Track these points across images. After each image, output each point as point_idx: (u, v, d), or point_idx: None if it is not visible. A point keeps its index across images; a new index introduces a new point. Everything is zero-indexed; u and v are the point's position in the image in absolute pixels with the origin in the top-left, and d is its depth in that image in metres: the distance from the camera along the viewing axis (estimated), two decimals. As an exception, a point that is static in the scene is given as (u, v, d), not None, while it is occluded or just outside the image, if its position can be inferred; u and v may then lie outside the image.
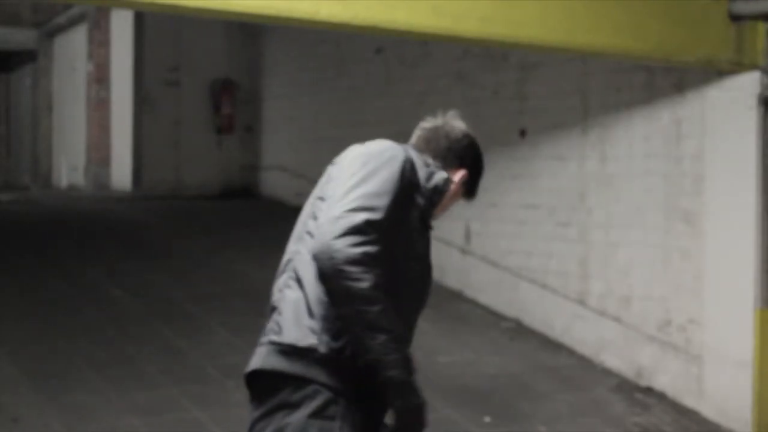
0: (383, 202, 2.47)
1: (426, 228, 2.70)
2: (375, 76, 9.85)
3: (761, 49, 6.26)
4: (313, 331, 2.46)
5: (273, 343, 2.51)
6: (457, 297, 8.48)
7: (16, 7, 16.08)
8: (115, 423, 5.63)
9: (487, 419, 6.17)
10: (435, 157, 2.79)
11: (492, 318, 8.07)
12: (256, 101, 12.84)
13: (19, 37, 16.59)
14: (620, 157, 7.17)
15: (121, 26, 13.40)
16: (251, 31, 12.57)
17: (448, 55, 8.63)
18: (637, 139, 7.05)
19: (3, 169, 19.05)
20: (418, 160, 2.70)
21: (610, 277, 7.23)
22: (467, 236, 8.57)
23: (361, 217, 2.41)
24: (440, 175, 2.72)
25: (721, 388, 6.45)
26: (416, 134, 2.88)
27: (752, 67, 6.27)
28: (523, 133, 8.02)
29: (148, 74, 12.73)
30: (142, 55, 12.84)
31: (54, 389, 5.99)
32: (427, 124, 2.89)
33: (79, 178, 14.79)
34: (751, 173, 6.29)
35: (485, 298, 8.32)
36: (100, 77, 14.19)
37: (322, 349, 2.45)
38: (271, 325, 2.55)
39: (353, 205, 2.44)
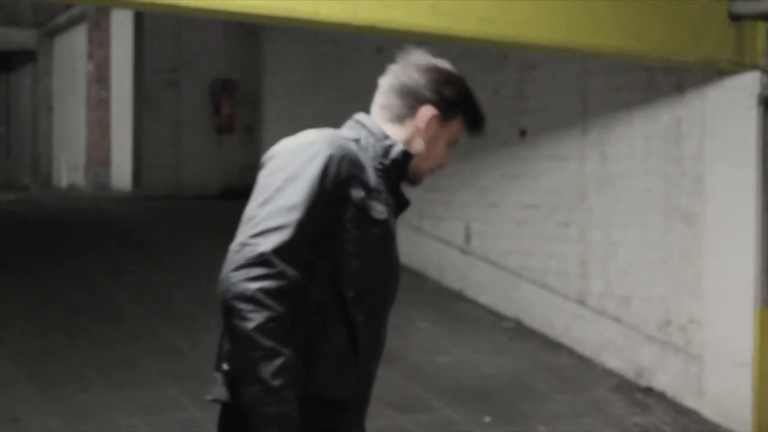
0: (294, 216, 2.20)
1: (391, 213, 2.44)
2: (375, 76, 9.82)
3: (761, 49, 6.26)
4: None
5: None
6: (457, 297, 8.48)
7: (16, 7, 16.09)
8: (115, 423, 5.63)
9: (487, 419, 6.17)
10: (395, 118, 2.52)
11: (492, 318, 8.07)
12: (256, 101, 12.85)
13: (19, 37, 16.60)
14: (620, 157, 7.17)
15: (121, 26, 13.41)
16: (251, 31, 12.57)
17: (448, 55, 8.61)
18: (637, 139, 7.05)
19: (3, 169, 19.05)
20: (369, 139, 2.47)
21: (610, 277, 7.23)
22: (467, 236, 8.57)
23: (264, 247, 2.16)
24: (397, 148, 2.45)
25: (721, 388, 6.45)
26: (374, 104, 2.61)
27: (752, 67, 6.27)
28: (523, 133, 8.02)
29: (148, 74, 12.73)
30: (142, 55, 12.84)
31: (54, 389, 5.99)
32: (382, 81, 2.62)
33: (79, 178, 14.79)
34: (751, 173, 6.29)
35: (485, 298, 8.32)
36: (100, 77, 14.20)
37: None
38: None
39: (258, 229, 2.19)
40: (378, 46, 9.73)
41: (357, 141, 2.46)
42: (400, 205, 2.53)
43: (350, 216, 2.31)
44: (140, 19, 12.72)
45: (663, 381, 6.83)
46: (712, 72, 6.44)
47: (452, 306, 8.25)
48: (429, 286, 8.52)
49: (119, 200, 12.30)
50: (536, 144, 7.87)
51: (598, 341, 7.29)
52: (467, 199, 8.56)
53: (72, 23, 15.26)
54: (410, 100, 2.53)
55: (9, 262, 8.47)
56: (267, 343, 2.12)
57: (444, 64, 2.65)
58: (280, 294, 2.15)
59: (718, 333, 6.46)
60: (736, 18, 6.15)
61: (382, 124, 2.53)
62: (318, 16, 4.64)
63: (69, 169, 15.39)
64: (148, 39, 12.70)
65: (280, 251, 2.17)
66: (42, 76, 16.64)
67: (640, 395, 6.82)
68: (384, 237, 2.39)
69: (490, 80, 8.29)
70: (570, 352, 7.44)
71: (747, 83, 6.31)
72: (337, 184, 2.29)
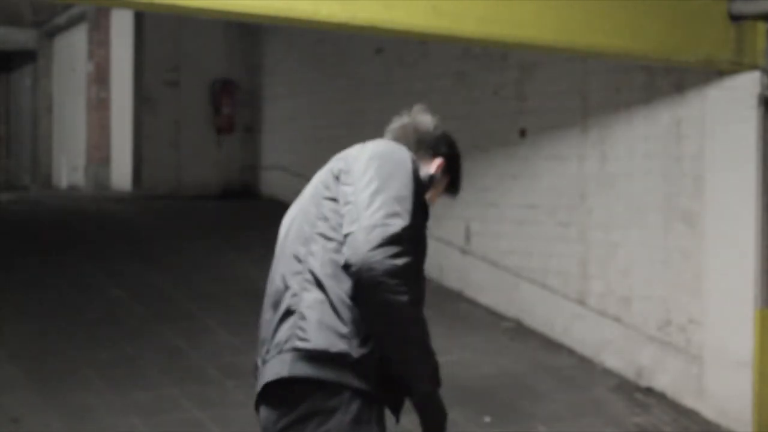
0: (407, 206, 2.48)
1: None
2: (375, 76, 9.85)
3: (761, 49, 6.26)
4: (343, 336, 2.43)
5: (298, 349, 2.44)
6: (457, 297, 8.48)
7: (16, 7, 16.08)
8: (115, 423, 5.63)
9: (487, 419, 6.17)
10: (432, 165, 2.85)
11: (492, 318, 8.07)
12: (256, 101, 12.84)
13: (19, 37, 16.59)
14: (620, 157, 7.18)
15: (121, 26, 13.40)
16: (251, 31, 12.57)
17: (448, 55, 8.63)
18: (637, 139, 7.05)
19: (3, 169, 19.04)
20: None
21: (610, 277, 7.23)
22: (467, 236, 8.57)
23: (396, 226, 2.41)
24: (424, 170, 2.75)
25: (721, 388, 6.45)
26: (386, 137, 2.85)
27: (752, 67, 6.27)
28: (523, 133, 8.01)
29: (148, 74, 12.73)
30: (142, 55, 12.84)
31: (54, 389, 5.99)
32: (395, 124, 2.89)
33: (79, 178, 14.79)
34: (751, 173, 6.29)
35: (485, 298, 8.31)
36: (100, 77, 14.19)
37: (354, 354, 2.42)
38: (290, 330, 2.47)
39: (383, 212, 2.43)
40: (378, 46, 9.73)
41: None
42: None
43: (422, 216, 2.62)
44: (140, 19, 12.72)
45: (663, 381, 6.83)
46: (712, 72, 6.44)
47: (452, 306, 8.25)
48: (429, 286, 8.49)
49: (119, 200, 12.30)
50: (536, 144, 7.87)
51: (598, 341, 7.29)
52: (467, 199, 8.56)
53: (72, 23, 15.25)
54: (428, 150, 2.84)
55: (9, 263, 8.46)
56: (418, 311, 2.45)
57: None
58: (413, 267, 2.43)
59: (718, 333, 6.46)
60: (736, 18, 6.15)
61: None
62: (318, 16, 4.64)
63: (69, 169, 15.38)
64: (148, 39, 12.69)
65: (405, 232, 2.42)
66: (42, 76, 16.63)
67: (640, 395, 6.82)
68: (425, 242, 2.70)
69: (490, 80, 8.29)
70: (570, 352, 7.44)
71: (747, 83, 6.31)
72: (418, 186, 2.58)
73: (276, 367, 2.47)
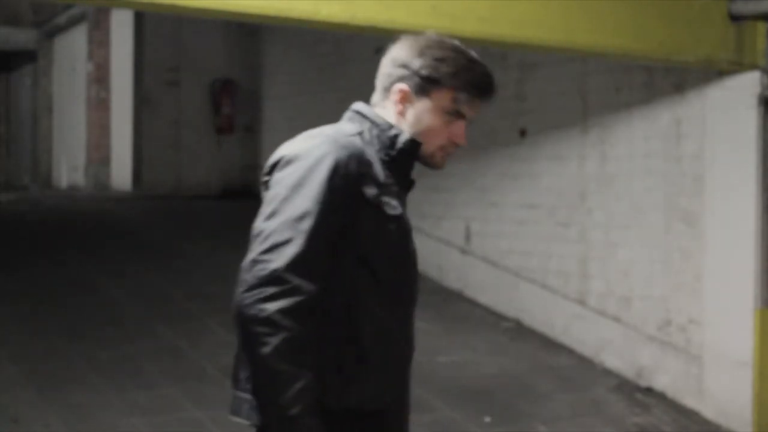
0: (304, 226, 2.12)
1: (403, 206, 2.34)
2: (375, 76, 9.83)
3: (761, 49, 6.26)
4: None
5: None
6: (457, 297, 8.48)
7: (16, 7, 16.09)
8: (115, 423, 5.63)
9: (487, 419, 6.17)
10: (393, 103, 2.38)
11: (492, 318, 8.07)
12: (256, 101, 12.84)
13: (19, 37, 16.59)
14: (620, 157, 7.17)
15: (121, 26, 13.40)
16: (251, 31, 12.57)
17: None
18: (637, 139, 7.05)
19: (3, 169, 19.04)
20: (373, 131, 2.35)
21: (610, 277, 7.23)
22: (467, 236, 8.57)
23: (276, 264, 2.09)
24: (403, 137, 2.32)
25: (721, 388, 6.45)
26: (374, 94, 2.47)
27: (752, 67, 6.27)
28: (523, 133, 8.01)
29: (148, 74, 12.73)
30: (142, 55, 12.84)
31: (54, 389, 5.99)
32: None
33: (79, 178, 14.79)
34: (751, 173, 6.29)
35: (485, 298, 8.31)
36: (100, 77, 14.19)
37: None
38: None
39: (267, 244, 2.11)
40: (378, 46, 9.72)
41: (360, 134, 2.34)
42: (406, 185, 2.41)
43: (366, 215, 2.21)
44: (140, 19, 12.72)
45: (663, 381, 6.83)
46: (712, 72, 6.44)
47: (452, 306, 8.25)
48: (429, 286, 8.51)
49: (119, 200, 12.30)
50: (536, 144, 7.87)
51: (598, 341, 7.29)
52: (467, 199, 8.56)
53: (72, 23, 15.25)
54: (386, 81, 2.43)
55: (9, 262, 8.47)
56: (284, 367, 2.04)
57: (429, 36, 2.42)
58: (297, 311, 2.07)
59: (718, 333, 6.46)
60: (736, 18, 6.15)
61: (381, 111, 2.41)
62: (318, 16, 4.64)
63: (69, 169, 15.38)
64: (148, 39, 12.70)
65: (293, 266, 2.09)
66: (42, 76, 16.63)
67: (640, 395, 6.82)
68: (400, 233, 2.29)
69: (490, 80, 8.29)
70: (570, 352, 7.43)
71: (747, 83, 6.31)
72: (347, 185, 2.19)
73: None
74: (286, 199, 2.16)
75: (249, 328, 2.08)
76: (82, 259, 8.80)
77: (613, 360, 7.18)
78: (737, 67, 6.28)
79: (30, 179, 16.93)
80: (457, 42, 2.41)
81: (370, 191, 2.23)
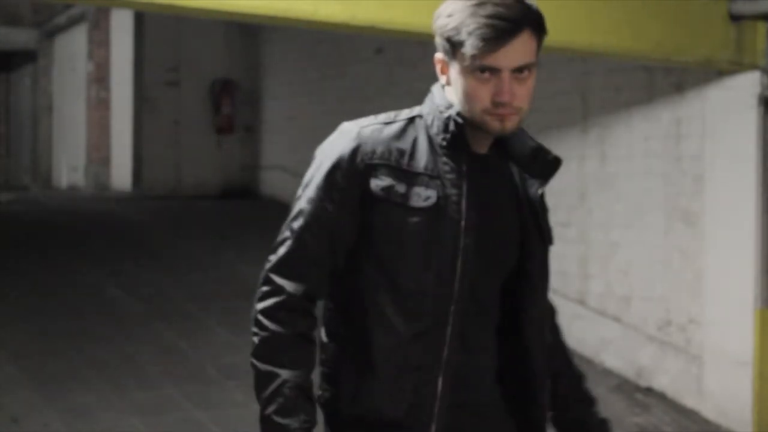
0: (296, 225, 2.11)
1: (459, 193, 2.09)
2: (375, 76, 9.85)
3: (761, 49, 6.26)
4: None
5: None
6: (457, 297, 8.47)
7: (16, 7, 16.09)
8: (115, 423, 5.63)
9: (487, 419, 6.16)
10: (447, 83, 2.15)
11: (492, 318, 8.06)
12: (256, 101, 12.85)
13: (19, 37, 16.59)
14: (620, 157, 7.17)
15: (121, 26, 13.41)
16: (251, 31, 12.57)
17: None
18: (637, 139, 7.05)
19: (3, 169, 19.04)
20: (436, 112, 2.14)
21: (610, 277, 7.23)
22: (467, 236, 8.56)
23: (269, 264, 2.12)
24: (448, 113, 2.11)
25: (721, 388, 6.45)
26: None
27: (752, 67, 6.27)
28: (523, 133, 8.01)
29: (148, 74, 12.74)
30: (142, 55, 12.84)
31: (54, 389, 5.99)
32: None
33: (79, 178, 14.79)
34: (751, 173, 6.29)
35: (485, 298, 8.31)
36: (100, 77, 14.20)
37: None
38: None
39: (274, 244, 2.15)
40: (378, 46, 9.73)
41: (414, 119, 2.18)
42: (541, 166, 2.33)
43: (380, 210, 2.07)
44: (140, 19, 12.72)
45: (663, 381, 6.83)
46: (712, 72, 6.44)
47: (452, 306, 8.24)
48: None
49: (119, 200, 12.30)
50: (536, 144, 7.86)
51: (598, 341, 7.29)
52: (467, 199, 8.55)
53: (72, 23, 15.25)
54: (440, 53, 2.15)
55: (9, 262, 8.46)
56: (260, 366, 2.05)
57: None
58: (276, 311, 2.07)
59: (718, 333, 6.46)
60: (736, 18, 6.15)
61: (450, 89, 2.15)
62: (318, 16, 4.63)
63: (69, 169, 15.38)
64: (148, 39, 12.70)
65: (279, 266, 2.10)
66: (42, 76, 16.63)
67: (640, 395, 6.82)
68: (429, 225, 2.07)
69: (490, 80, 8.29)
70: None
71: (747, 83, 6.31)
72: (351, 180, 2.08)
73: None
74: (296, 199, 2.16)
75: (251, 327, 2.12)
76: (82, 259, 8.80)
77: (613, 360, 7.18)
78: (737, 67, 6.28)
79: (30, 179, 16.94)
80: None
81: (380, 183, 2.07)
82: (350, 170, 2.09)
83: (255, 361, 2.07)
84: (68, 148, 15.45)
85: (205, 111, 12.78)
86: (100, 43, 14.18)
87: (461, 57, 2.04)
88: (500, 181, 2.23)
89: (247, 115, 12.86)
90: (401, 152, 2.10)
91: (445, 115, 2.11)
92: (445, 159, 2.10)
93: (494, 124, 2.10)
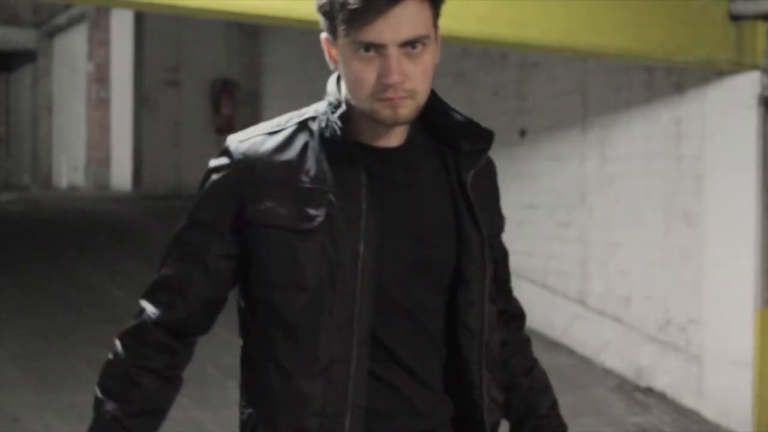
0: (166, 249, 1.99)
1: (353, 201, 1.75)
2: (375, 76, 9.84)
3: (761, 49, 6.26)
4: None
5: None
6: (457, 297, 8.47)
7: (16, 7, 16.08)
8: (115, 423, 5.62)
9: (487, 419, 6.16)
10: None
11: (492, 318, 8.06)
12: (256, 101, 12.85)
13: (19, 37, 16.59)
14: (620, 157, 7.17)
15: (121, 26, 13.41)
16: (251, 31, 12.57)
17: (448, 54, 8.59)
18: (637, 139, 7.05)
19: (3, 169, 19.05)
20: (326, 112, 1.82)
21: (610, 277, 7.23)
22: (467, 236, 8.56)
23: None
24: (334, 116, 1.79)
25: (721, 388, 6.45)
26: None
27: (752, 67, 6.27)
28: (523, 133, 8.01)
29: (148, 74, 12.74)
30: (142, 55, 12.84)
31: (54, 389, 5.99)
32: None
33: (79, 178, 14.79)
34: (751, 173, 6.29)
35: (485, 298, 8.30)
36: (100, 77, 14.20)
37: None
38: None
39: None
40: (378, 46, 9.73)
41: (313, 119, 1.85)
42: (472, 141, 1.95)
43: (260, 237, 1.79)
44: (140, 19, 12.72)
45: (663, 381, 6.83)
46: (712, 72, 6.44)
47: (452, 306, 8.24)
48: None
49: (119, 200, 12.30)
50: (536, 144, 7.87)
51: (598, 341, 7.29)
52: (467, 199, 8.55)
53: (72, 23, 15.26)
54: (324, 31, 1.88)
55: (9, 262, 8.46)
56: (96, 392, 2.02)
57: None
58: (125, 336, 2.01)
59: (718, 333, 6.46)
60: (736, 18, 6.16)
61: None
62: (317, 16, 4.63)
63: (69, 169, 15.38)
64: (148, 39, 12.70)
65: (147, 290, 2.01)
66: (42, 76, 16.64)
67: (640, 395, 6.82)
68: (321, 249, 1.75)
69: (490, 80, 8.29)
70: (570, 352, 7.43)
71: (747, 83, 6.31)
72: (221, 205, 1.81)
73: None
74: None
75: None
76: (81, 259, 8.80)
77: (613, 360, 7.18)
78: (737, 67, 6.28)
79: (30, 179, 16.94)
80: None
81: (259, 207, 1.77)
82: (220, 195, 1.81)
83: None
84: (68, 148, 15.45)
85: (205, 111, 12.79)
86: (100, 43, 14.18)
87: (340, 35, 1.74)
88: (422, 175, 1.84)
89: (247, 115, 12.84)
90: (286, 166, 1.77)
91: (331, 111, 1.80)
92: (336, 165, 1.75)
93: (385, 112, 1.72)
